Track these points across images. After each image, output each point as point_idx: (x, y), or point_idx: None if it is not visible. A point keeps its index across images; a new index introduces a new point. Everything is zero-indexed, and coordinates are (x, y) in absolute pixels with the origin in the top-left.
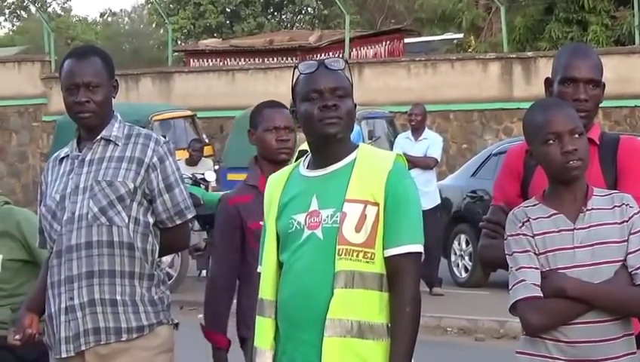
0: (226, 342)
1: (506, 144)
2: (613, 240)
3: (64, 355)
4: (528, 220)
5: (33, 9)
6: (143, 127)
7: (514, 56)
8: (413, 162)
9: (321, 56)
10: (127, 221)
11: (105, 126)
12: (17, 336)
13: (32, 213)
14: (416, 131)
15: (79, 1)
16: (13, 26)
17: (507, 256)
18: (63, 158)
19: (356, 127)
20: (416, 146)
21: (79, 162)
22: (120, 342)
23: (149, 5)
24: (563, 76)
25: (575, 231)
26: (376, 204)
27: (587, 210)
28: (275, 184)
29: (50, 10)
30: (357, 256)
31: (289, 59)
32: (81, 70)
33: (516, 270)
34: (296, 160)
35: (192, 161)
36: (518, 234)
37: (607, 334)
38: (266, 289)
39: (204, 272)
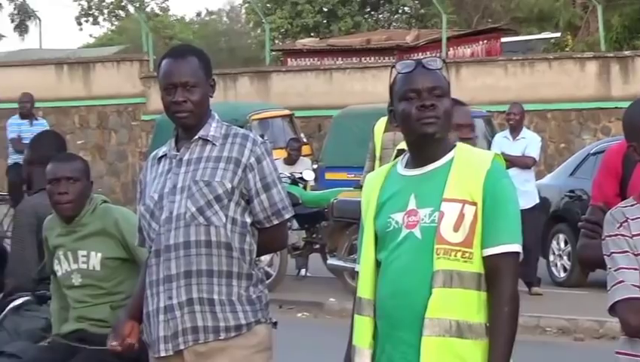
0: None
1: (604, 143)
2: None
3: (162, 354)
4: (626, 220)
5: (132, 9)
6: (242, 127)
7: (611, 55)
8: (512, 161)
9: (418, 55)
10: (224, 221)
11: (202, 125)
12: (115, 343)
13: (130, 211)
14: (515, 130)
15: (177, 0)
16: (112, 26)
17: (605, 257)
18: (161, 157)
19: None
20: (515, 145)
21: (177, 162)
22: (218, 340)
23: (247, 5)
24: None
25: None
26: (474, 204)
27: None
28: (373, 183)
29: (148, 9)
30: (455, 255)
31: (386, 58)
32: (178, 70)
33: (615, 271)
34: (394, 158)
35: (290, 160)
36: (616, 235)
37: None
38: (364, 288)
39: (302, 271)
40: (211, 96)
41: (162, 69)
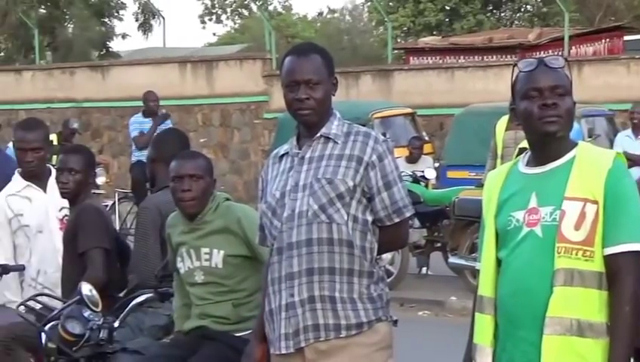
0: None
1: None
2: None
3: (284, 351)
4: None
5: (254, 7)
6: (363, 125)
7: None
8: (634, 160)
9: (540, 53)
10: (346, 218)
11: (324, 123)
12: None
13: (252, 209)
14: (637, 129)
15: None
16: (234, 25)
17: None
18: (282, 155)
19: (576, 125)
20: (637, 144)
21: (299, 159)
22: (339, 338)
23: (369, 3)
24: None
25: None
26: (596, 203)
27: None
28: (495, 181)
29: (270, 8)
30: (576, 254)
31: (508, 56)
32: (301, 67)
33: None
34: (515, 157)
35: (411, 159)
36: None
37: None
38: (486, 286)
39: (424, 269)
40: (333, 95)
41: (285, 67)
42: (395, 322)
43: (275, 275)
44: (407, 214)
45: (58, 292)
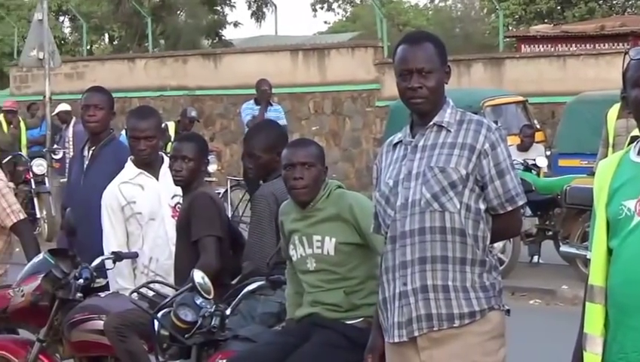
0: None
1: None
2: None
3: (397, 340)
4: None
5: None
6: (475, 113)
7: None
8: None
9: None
10: (458, 207)
11: (437, 112)
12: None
13: (364, 196)
14: None
15: None
16: (346, 13)
17: None
18: (396, 144)
19: None
20: None
21: (412, 148)
22: (452, 327)
23: None
24: None
25: None
26: None
27: None
28: (606, 169)
29: None
30: None
31: (620, 44)
32: (414, 56)
33: None
34: (627, 145)
35: (523, 147)
36: None
37: None
38: (596, 276)
39: (535, 258)
40: (446, 83)
41: (398, 55)
42: (508, 311)
43: (389, 264)
44: (520, 203)
45: (170, 280)
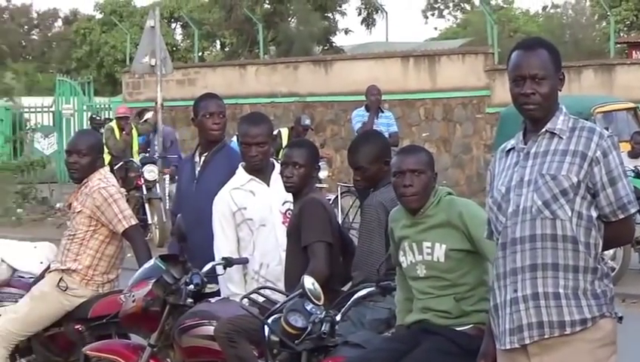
0: None
1: None
2: None
3: (508, 347)
4: None
5: (477, 1)
6: (586, 120)
7: None
8: None
9: None
10: (570, 215)
11: (550, 118)
12: None
13: (474, 203)
14: None
15: None
16: (456, 19)
17: None
18: (509, 150)
19: None
20: None
21: (524, 155)
22: (563, 335)
23: None
24: None
25: None
26: None
27: None
28: None
29: (492, 2)
30: None
31: None
32: (528, 62)
33: None
34: None
35: (634, 154)
36: None
37: None
38: None
39: None
40: (560, 90)
41: (512, 61)
42: (620, 318)
43: (500, 270)
44: (633, 210)
45: (280, 286)
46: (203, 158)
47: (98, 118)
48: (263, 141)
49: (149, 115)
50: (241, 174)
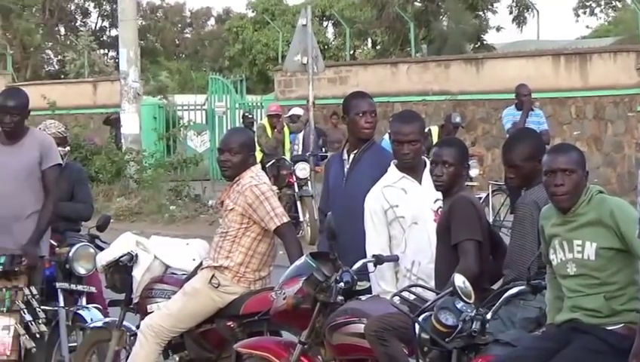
0: None
1: None
2: None
3: None
4: None
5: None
6: None
7: None
8: None
9: None
10: None
11: None
12: None
13: (626, 202)
14: None
15: None
16: (608, 17)
17: None
18: None
19: None
20: None
21: None
22: None
23: None
24: None
25: None
26: None
27: None
28: None
29: None
30: None
31: None
32: None
33: None
34: None
35: None
36: None
37: None
38: None
39: None
40: None
41: None
42: None
43: None
44: None
45: (431, 284)
46: (352, 156)
47: (250, 115)
48: (415, 139)
49: (296, 112)
50: (393, 172)
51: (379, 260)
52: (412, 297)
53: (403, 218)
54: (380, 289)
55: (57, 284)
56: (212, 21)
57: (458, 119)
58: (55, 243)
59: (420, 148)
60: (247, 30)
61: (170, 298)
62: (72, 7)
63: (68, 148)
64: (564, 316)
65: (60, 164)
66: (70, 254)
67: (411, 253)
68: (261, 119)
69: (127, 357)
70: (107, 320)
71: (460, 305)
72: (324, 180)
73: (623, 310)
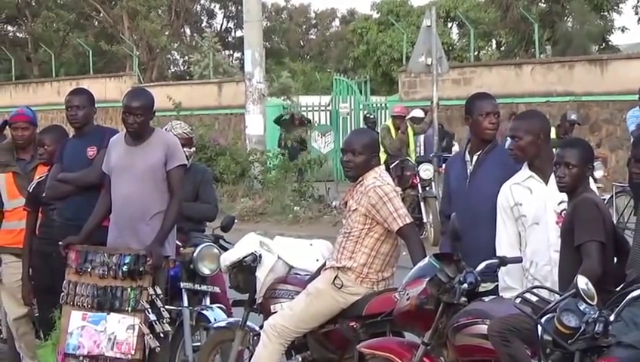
0: None
1: None
2: None
3: None
4: None
5: None
6: None
7: None
8: None
9: None
10: None
11: None
12: None
13: None
14: None
15: None
16: None
17: None
18: None
19: None
20: None
21: None
22: None
23: None
24: None
25: None
26: None
27: None
28: None
29: None
30: None
31: None
32: None
33: None
34: None
35: None
36: None
37: None
38: None
39: None
40: None
41: None
42: None
43: None
44: None
45: (547, 285)
46: (475, 158)
47: (372, 116)
48: (517, 135)
49: (417, 114)
50: (524, 170)
51: (503, 262)
52: (535, 299)
53: (525, 217)
54: (504, 284)
55: (182, 284)
56: (337, 22)
57: (574, 116)
58: (180, 244)
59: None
60: (371, 31)
61: (293, 298)
62: (198, 9)
63: (193, 148)
64: None
65: (185, 165)
66: (195, 254)
67: (530, 252)
68: (385, 120)
69: (250, 358)
70: (231, 320)
71: (582, 306)
72: (444, 182)
73: None
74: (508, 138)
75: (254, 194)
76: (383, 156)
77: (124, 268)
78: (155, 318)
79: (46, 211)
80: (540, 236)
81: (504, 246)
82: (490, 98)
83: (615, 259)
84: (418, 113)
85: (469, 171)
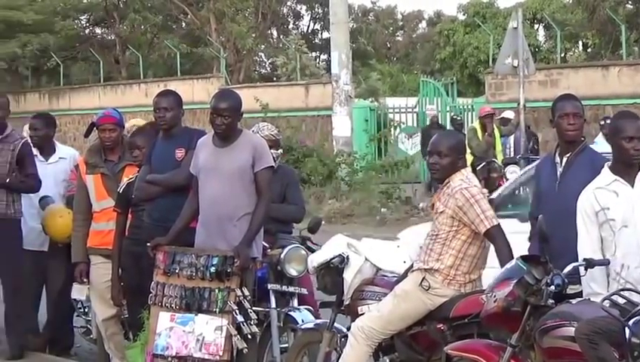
0: None
1: None
2: None
3: None
4: None
5: None
6: None
7: None
8: None
9: None
10: None
11: None
12: None
13: None
14: None
15: None
16: None
17: None
18: None
19: None
20: None
21: None
22: None
23: None
24: None
25: None
26: None
27: None
28: None
29: None
30: None
31: None
32: None
33: None
34: None
35: None
36: None
37: None
38: None
39: None
40: None
41: None
42: None
43: None
44: None
45: (639, 288)
46: (565, 159)
47: (458, 118)
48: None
49: (507, 115)
50: (605, 174)
51: (590, 264)
52: (622, 301)
53: (613, 221)
54: (590, 290)
55: (269, 286)
56: (423, 24)
57: None
58: (267, 245)
59: None
60: (458, 33)
61: (380, 300)
62: (285, 11)
63: (280, 150)
64: None
65: (272, 166)
66: (282, 256)
67: (621, 256)
68: (472, 122)
69: (338, 359)
70: (318, 321)
71: None
72: (534, 184)
73: None
74: (595, 140)
75: (341, 196)
76: (469, 158)
77: (212, 269)
78: (242, 319)
79: (135, 212)
80: (630, 239)
81: (586, 251)
82: (572, 99)
83: None
84: (508, 114)
85: (558, 173)
